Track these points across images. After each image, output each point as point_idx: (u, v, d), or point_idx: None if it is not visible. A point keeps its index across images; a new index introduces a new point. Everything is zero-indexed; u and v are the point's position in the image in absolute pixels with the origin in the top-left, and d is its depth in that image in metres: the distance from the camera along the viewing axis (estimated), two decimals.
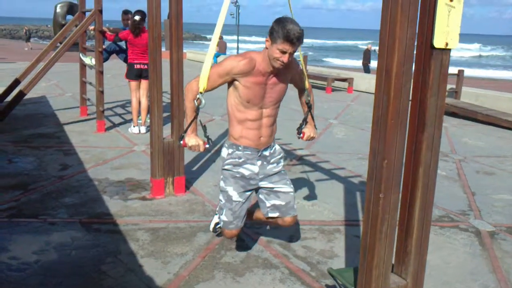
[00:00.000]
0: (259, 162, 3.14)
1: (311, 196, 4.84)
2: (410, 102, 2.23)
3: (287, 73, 3.04)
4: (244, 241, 3.77)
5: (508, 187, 5.43)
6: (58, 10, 26.92)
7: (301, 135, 3.34)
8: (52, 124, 7.71)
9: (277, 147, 3.28)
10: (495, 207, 4.75)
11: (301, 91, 3.36)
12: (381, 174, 2.20)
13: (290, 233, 3.95)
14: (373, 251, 2.30)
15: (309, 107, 3.35)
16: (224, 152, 3.18)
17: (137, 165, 5.68)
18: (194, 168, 5.63)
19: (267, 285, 3.16)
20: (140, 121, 7.47)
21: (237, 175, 3.12)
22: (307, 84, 3.29)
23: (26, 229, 3.84)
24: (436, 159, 2.35)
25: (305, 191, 4.98)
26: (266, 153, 3.17)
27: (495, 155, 6.90)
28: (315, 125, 3.40)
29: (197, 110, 2.98)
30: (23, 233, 3.77)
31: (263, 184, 3.19)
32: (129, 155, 6.13)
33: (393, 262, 2.47)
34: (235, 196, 3.12)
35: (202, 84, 2.92)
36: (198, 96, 2.93)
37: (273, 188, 3.19)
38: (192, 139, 3.03)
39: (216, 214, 3.58)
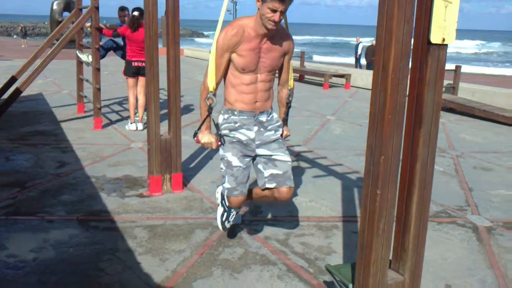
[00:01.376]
0: (255, 128, 3.15)
1: (309, 193, 4.84)
2: (407, 98, 2.23)
3: (282, 43, 3.07)
4: (242, 238, 3.77)
5: (505, 182, 5.44)
6: (54, 7, 26.79)
7: None
8: (49, 122, 7.69)
9: (274, 115, 3.27)
10: (492, 203, 4.76)
11: (283, 87, 3.38)
12: (378, 170, 2.19)
13: (288, 229, 3.96)
14: (370, 247, 2.30)
15: (289, 107, 3.44)
16: (220, 118, 3.20)
17: (135, 162, 5.67)
18: (192, 165, 5.63)
19: (265, 282, 3.17)
20: (137, 118, 7.46)
21: (234, 140, 3.14)
22: (291, 84, 3.35)
23: (23, 227, 3.83)
24: (433, 155, 2.35)
25: (302, 187, 4.98)
26: (263, 118, 3.17)
27: (492, 150, 6.91)
28: (287, 123, 3.49)
29: (209, 109, 3.11)
30: (20, 230, 3.77)
31: (260, 151, 3.18)
32: (126, 152, 6.12)
33: (390, 258, 2.47)
34: (235, 161, 3.12)
35: (211, 83, 3.03)
36: (209, 95, 3.06)
37: (271, 155, 3.18)
38: (205, 137, 3.17)
39: (218, 205, 3.50)
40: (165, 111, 4.90)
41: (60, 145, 6.31)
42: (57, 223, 3.93)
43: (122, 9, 7.87)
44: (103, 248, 3.52)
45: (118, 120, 8.05)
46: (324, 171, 5.58)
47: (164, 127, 4.78)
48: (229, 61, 3.04)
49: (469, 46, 70.02)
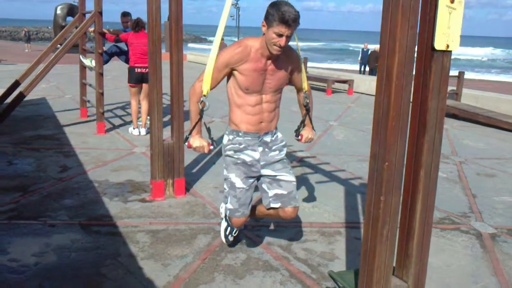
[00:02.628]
0: (260, 148, 3.13)
1: (312, 198, 4.83)
2: (411, 104, 2.23)
3: (288, 62, 3.04)
4: (244, 244, 3.76)
5: (509, 189, 5.42)
6: (58, 12, 26.97)
7: (299, 137, 3.34)
8: (52, 126, 7.70)
9: (279, 134, 3.25)
10: (496, 209, 4.74)
11: (300, 92, 3.35)
12: (382, 176, 2.19)
13: (291, 235, 3.94)
14: (374, 254, 2.29)
15: (307, 109, 3.34)
16: (225, 138, 3.18)
17: (137, 167, 5.67)
18: (194, 170, 5.62)
19: None
20: (140, 123, 7.47)
21: (238, 161, 3.11)
22: (306, 86, 3.29)
23: (25, 231, 3.83)
24: (437, 162, 2.35)
25: (305, 193, 4.97)
26: (267, 139, 3.15)
27: (496, 157, 6.89)
28: (313, 127, 3.40)
29: (201, 112, 3.04)
30: (22, 235, 3.76)
31: (265, 172, 3.16)
32: (129, 157, 6.12)
33: (394, 264, 2.45)
34: (238, 183, 3.11)
35: (206, 87, 2.96)
36: (202, 99, 2.98)
37: (275, 176, 3.16)
38: (196, 141, 3.09)
39: (222, 219, 3.54)
40: (168, 116, 4.91)
41: (62, 150, 6.31)
42: (59, 227, 3.93)
43: (125, 14, 7.90)
44: (105, 253, 3.51)
45: (121, 125, 8.06)
46: (327, 177, 5.57)
47: (167, 132, 4.78)
48: (227, 75, 3.01)
49: (482, 53, 69.68)
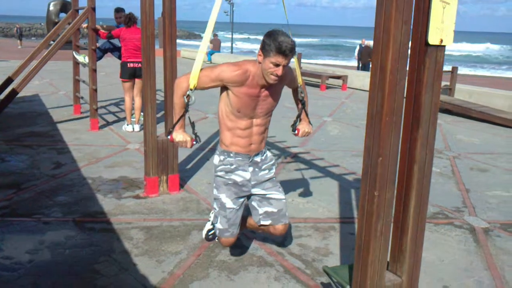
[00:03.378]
0: (250, 169, 3.13)
1: (306, 194, 4.83)
2: (404, 99, 2.23)
3: (281, 82, 3.00)
4: (239, 240, 3.75)
5: (502, 183, 5.45)
6: (51, 8, 26.78)
7: (296, 131, 3.32)
8: (45, 123, 7.66)
9: (268, 153, 3.26)
10: (489, 204, 4.76)
11: (295, 89, 3.34)
12: (375, 171, 2.19)
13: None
14: (368, 249, 2.30)
15: (303, 103, 3.33)
16: (216, 159, 3.16)
17: (131, 163, 5.65)
18: (188, 166, 5.61)
19: (262, 283, 3.15)
20: (134, 120, 7.44)
21: (230, 182, 3.11)
22: (300, 81, 3.28)
23: (19, 228, 3.81)
24: (431, 156, 2.35)
25: (299, 188, 4.97)
26: (258, 159, 3.15)
27: (489, 151, 6.92)
28: (309, 121, 3.39)
29: (186, 106, 2.98)
30: (16, 232, 3.75)
31: (255, 191, 3.17)
32: (123, 153, 6.10)
33: (388, 259, 2.46)
34: (228, 203, 3.11)
35: (193, 81, 2.90)
36: (188, 92, 2.92)
37: (265, 194, 3.18)
38: (179, 135, 3.03)
39: (209, 221, 3.54)
40: (162, 112, 4.89)
41: (56, 146, 6.28)
42: (53, 224, 3.91)
43: (118, 10, 7.85)
44: (99, 250, 3.50)
45: (114, 121, 8.03)
46: (321, 172, 5.58)
47: (160, 128, 4.77)
48: (221, 90, 2.97)
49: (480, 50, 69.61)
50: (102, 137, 6.91)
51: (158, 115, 4.82)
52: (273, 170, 3.26)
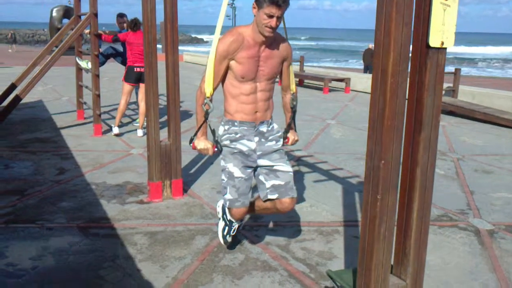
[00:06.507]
0: (256, 138, 3.14)
1: (309, 197, 4.83)
2: (406, 102, 2.22)
3: (280, 49, 3.08)
4: (242, 244, 3.75)
5: (506, 185, 5.42)
6: (54, 14, 26.90)
7: (286, 140, 3.35)
8: (48, 129, 7.69)
9: (275, 125, 3.26)
10: (494, 206, 4.74)
11: (286, 92, 3.37)
12: (378, 175, 2.18)
13: (289, 234, 3.94)
14: (371, 253, 2.29)
15: (294, 111, 3.38)
16: (221, 129, 3.19)
17: (134, 169, 5.66)
18: (192, 171, 5.61)
19: None
20: (137, 124, 7.46)
21: (235, 151, 3.12)
22: (294, 88, 3.33)
23: (23, 235, 3.81)
24: (434, 159, 2.34)
25: (303, 192, 4.97)
26: (263, 129, 3.16)
27: (493, 153, 6.89)
28: (295, 128, 3.45)
29: (206, 115, 3.08)
30: (20, 238, 3.75)
31: (261, 162, 3.16)
32: (126, 159, 6.11)
33: (392, 263, 2.45)
34: (236, 172, 3.10)
35: (208, 89, 3.01)
36: (205, 101, 3.03)
37: (272, 166, 3.16)
38: (201, 142, 3.14)
39: (219, 219, 3.52)
40: (165, 117, 4.90)
41: (60, 152, 6.30)
42: (57, 230, 3.92)
43: (121, 15, 7.89)
44: (103, 255, 3.50)
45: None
46: (325, 176, 5.57)
47: (164, 133, 4.77)
48: (227, 68, 3.03)
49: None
50: (105, 143, 6.92)
51: (161, 120, 4.83)
52: (280, 142, 3.26)
